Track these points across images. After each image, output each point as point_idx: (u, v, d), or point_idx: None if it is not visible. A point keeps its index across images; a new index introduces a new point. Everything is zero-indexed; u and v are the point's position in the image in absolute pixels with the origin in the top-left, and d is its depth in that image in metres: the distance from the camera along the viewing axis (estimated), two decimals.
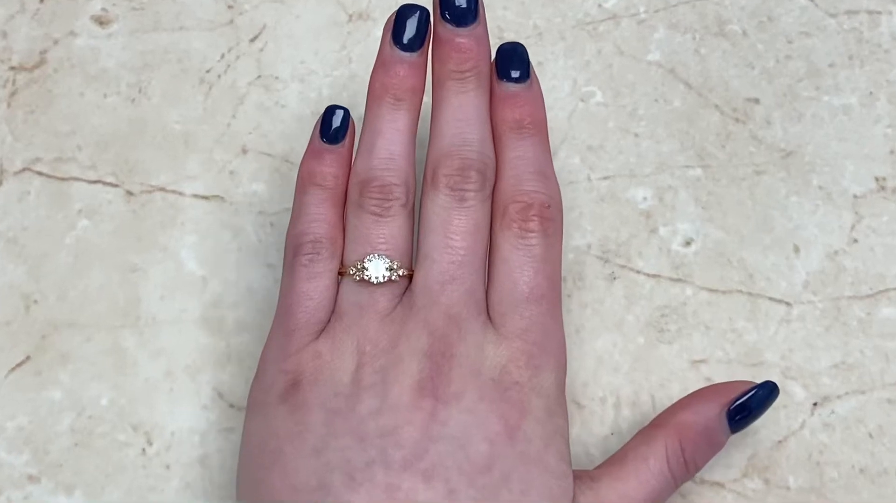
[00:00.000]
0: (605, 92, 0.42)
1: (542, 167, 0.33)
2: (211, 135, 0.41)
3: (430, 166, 0.33)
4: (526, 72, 0.34)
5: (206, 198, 0.40)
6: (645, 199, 0.40)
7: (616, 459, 0.32)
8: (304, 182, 0.34)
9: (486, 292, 0.32)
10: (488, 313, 0.32)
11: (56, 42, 0.43)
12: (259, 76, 0.42)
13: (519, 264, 0.32)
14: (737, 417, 0.33)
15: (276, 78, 0.42)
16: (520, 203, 0.33)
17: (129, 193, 0.40)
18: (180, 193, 0.40)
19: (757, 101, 0.42)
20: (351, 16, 0.43)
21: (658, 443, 0.32)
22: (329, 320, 0.32)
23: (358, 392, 0.30)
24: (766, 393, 0.34)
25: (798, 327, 0.38)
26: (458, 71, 0.33)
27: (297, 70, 0.42)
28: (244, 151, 0.41)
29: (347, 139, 0.34)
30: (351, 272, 0.32)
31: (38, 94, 0.41)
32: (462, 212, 0.32)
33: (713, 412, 0.33)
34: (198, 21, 0.43)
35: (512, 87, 0.34)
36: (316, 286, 0.32)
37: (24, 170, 0.40)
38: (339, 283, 0.33)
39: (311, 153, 0.34)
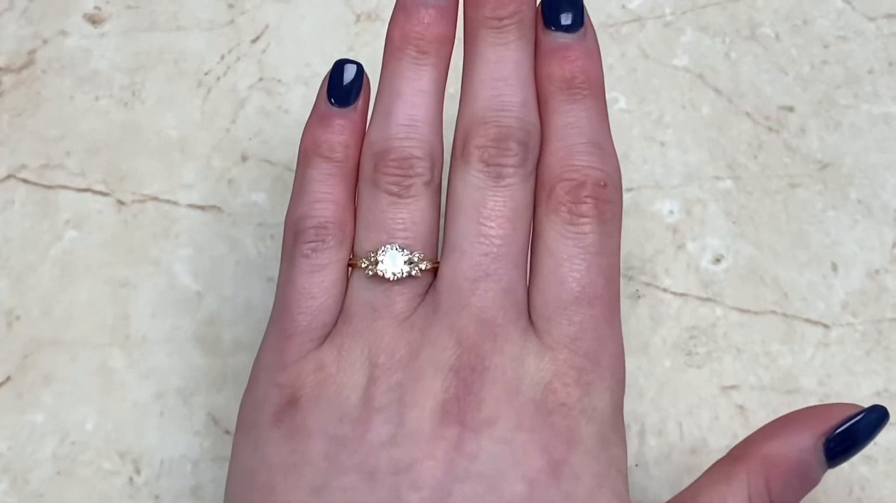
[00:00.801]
0: (630, 98, 0.41)
1: (598, 137, 0.28)
2: (209, 141, 0.40)
3: (461, 136, 0.28)
4: (579, 18, 0.29)
5: (202, 208, 0.39)
6: (672, 212, 0.39)
7: (686, 499, 0.28)
8: (308, 153, 0.30)
9: (528, 291, 0.28)
10: (530, 317, 0.27)
11: (45, 41, 0.42)
12: (261, 79, 0.41)
13: (568, 257, 0.27)
14: (838, 449, 0.28)
15: (279, 81, 0.41)
16: (570, 181, 0.28)
17: (120, 203, 0.39)
18: (175, 203, 0.39)
19: (791, 108, 0.41)
20: (359, 16, 0.43)
21: (739, 481, 0.27)
22: (335, 323, 0.28)
23: (368, 415, 0.26)
24: (875, 418, 0.28)
25: (836, 351, 0.37)
26: (495, 17, 0.29)
27: (301, 73, 0.42)
28: (244, 159, 0.40)
29: (360, 101, 0.30)
30: (363, 265, 0.28)
31: (25, 97, 0.41)
32: (499, 192, 0.28)
33: (807, 442, 0.28)
34: (196, 20, 0.42)
35: (561, 37, 0.29)
36: (320, 281, 0.28)
37: (8, 177, 0.39)
38: (348, 278, 0.29)
39: (316, 118, 0.30)
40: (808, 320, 0.37)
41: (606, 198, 0.28)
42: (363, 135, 0.29)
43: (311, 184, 0.29)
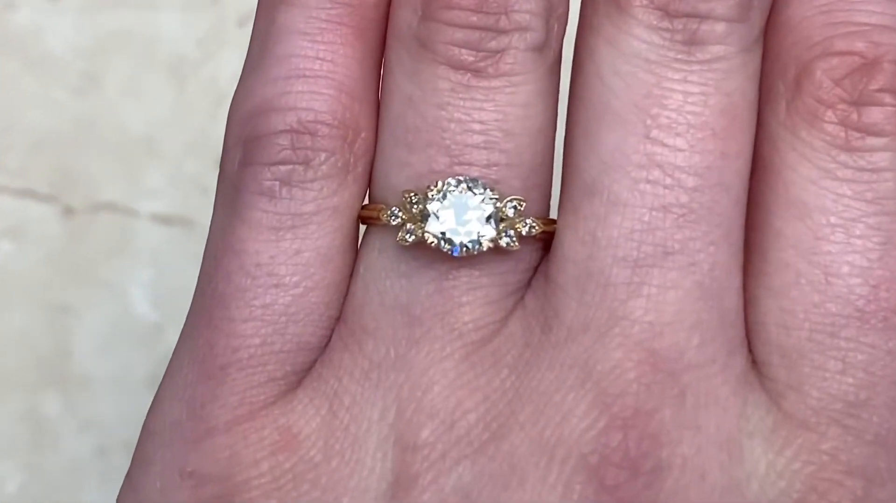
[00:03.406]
0: None
1: None
2: (180, 140, 0.37)
3: None
4: None
5: (168, 220, 0.36)
6: None
7: None
8: None
9: (748, 290, 0.18)
10: (750, 348, 0.17)
11: None
12: None
13: (841, 223, 0.17)
14: None
15: None
16: (840, 57, 0.17)
17: (69, 211, 0.36)
18: (135, 213, 0.36)
19: None
20: None
21: None
22: (326, 344, 0.18)
23: None
24: None
25: None
26: None
27: None
28: None
29: None
30: (392, 220, 0.18)
31: None
32: (691, 73, 0.17)
33: None
34: None
35: None
36: (294, 251, 0.18)
37: None
38: (357, 247, 0.19)
39: None
40: None
41: None
42: None
43: (285, 41, 0.18)
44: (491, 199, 0.17)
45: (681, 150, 0.17)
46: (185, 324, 0.19)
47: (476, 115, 0.18)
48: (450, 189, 0.17)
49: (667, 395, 0.16)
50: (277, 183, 0.18)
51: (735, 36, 0.17)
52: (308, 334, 0.18)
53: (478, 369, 0.17)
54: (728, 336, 0.17)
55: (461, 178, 0.17)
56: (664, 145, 0.17)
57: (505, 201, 0.17)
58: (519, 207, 0.17)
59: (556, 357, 0.17)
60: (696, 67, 0.17)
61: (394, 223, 0.18)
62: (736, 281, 0.17)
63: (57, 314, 0.35)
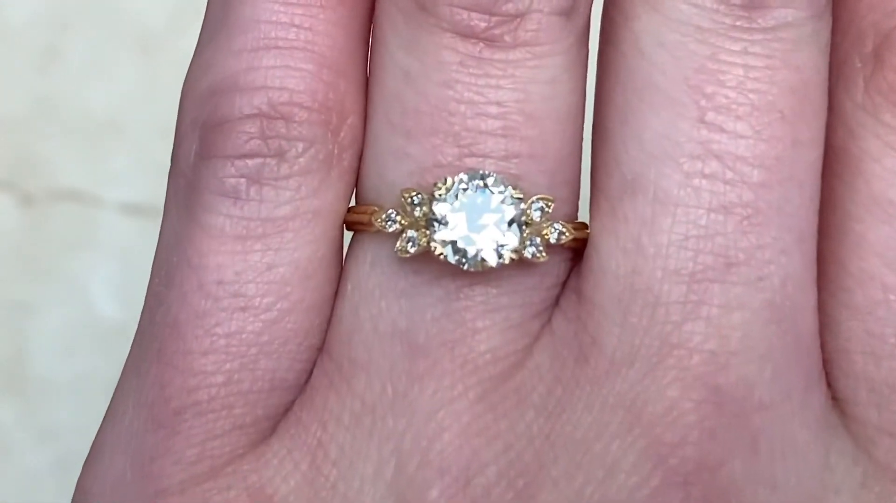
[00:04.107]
0: None
1: None
2: (149, 121, 0.36)
3: None
4: None
5: (135, 209, 0.35)
6: None
7: None
8: None
9: (823, 309, 0.16)
10: (829, 377, 0.15)
11: None
12: None
13: None
14: None
15: None
16: None
17: (27, 199, 0.35)
18: (99, 202, 0.35)
19: None
20: None
21: None
22: (305, 381, 0.16)
23: None
24: None
25: None
26: None
27: None
28: None
29: None
30: (388, 226, 0.15)
31: None
32: (753, 43, 0.15)
33: None
34: None
35: None
36: (265, 265, 0.16)
37: None
38: (342, 259, 0.17)
39: None
40: None
41: None
42: None
43: (251, 3, 0.16)
44: (513, 198, 0.15)
45: (743, 137, 0.15)
46: (129, 357, 0.16)
47: (491, 94, 0.15)
48: (461, 186, 0.15)
49: (736, 443, 0.14)
50: (244, 180, 0.15)
51: (800, 1, 0.15)
52: (283, 369, 0.15)
53: (497, 411, 0.15)
54: (804, 367, 0.15)
55: (475, 172, 0.15)
56: (723, 131, 0.15)
57: (530, 202, 0.15)
58: (546, 209, 0.15)
59: (595, 395, 0.14)
60: (758, 36, 0.15)
61: (390, 229, 0.15)
62: (811, 298, 0.15)
63: (12, 312, 0.34)
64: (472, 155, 0.15)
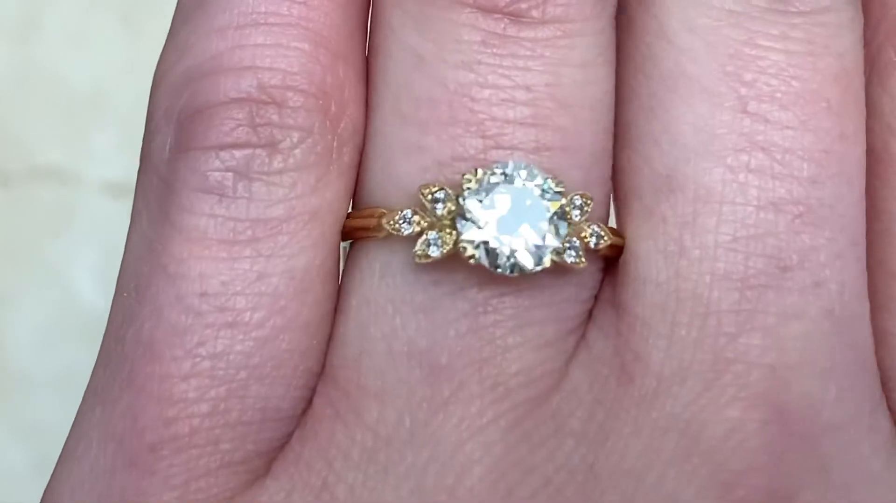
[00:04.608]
0: None
1: None
2: (133, 95, 0.32)
3: None
4: None
5: (118, 189, 0.35)
6: None
7: None
8: None
9: (874, 324, 0.15)
10: (888, 401, 0.14)
11: None
12: None
13: None
14: None
15: None
16: None
17: (3, 178, 0.34)
18: (80, 181, 0.34)
19: None
20: None
21: None
22: (305, 407, 0.14)
23: None
24: None
25: None
26: None
27: None
28: None
29: None
30: (403, 228, 0.14)
31: None
32: (793, 28, 0.14)
33: None
34: None
35: None
36: (257, 272, 0.14)
37: None
38: (337, 264, 0.15)
39: None
40: None
41: None
42: None
43: None
44: (554, 192, 0.13)
45: (790, 128, 0.13)
46: (90, 384, 0.14)
47: (519, 77, 0.13)
48: (493, 179, 0.13)
49: (805, 471, 0.13)
50: (230, 175, 0.13)
51: None
52: (278, 397, 0.13)
53: (533, 440, 0.13)
54: (868, 385, 0.13)
55: (501, 168, 0.13)
56: (767, 121, 0.14)
57: (570, 197, 0.13)
58: (586, 207, 0.13)
59: (643, 418, 0.13)
60: (797, 20, 0.14)
61: (406, 233, 0.13)
62: (867, 309, 0.13)
63: None
64: (499, 147, 0.13)
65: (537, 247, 0.13)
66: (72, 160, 0.34)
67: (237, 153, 0.13)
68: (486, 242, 0.13)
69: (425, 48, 0.13)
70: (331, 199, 0.14)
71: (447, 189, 0.13)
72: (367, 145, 0.14)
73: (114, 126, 0.35)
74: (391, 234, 0.13)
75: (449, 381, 0.13)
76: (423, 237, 0.13)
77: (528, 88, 0.13)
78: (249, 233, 0.13)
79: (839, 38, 0.14)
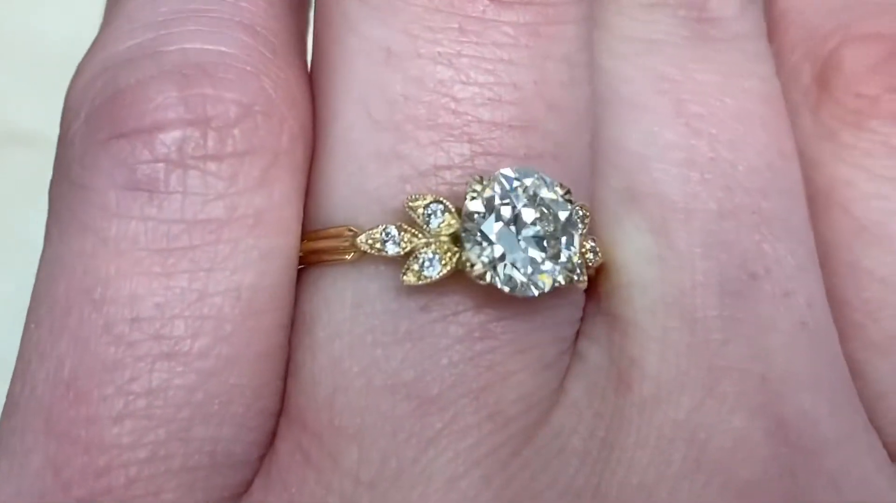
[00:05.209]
0: None
1: None
2: None
3: None
4: None
5: None
6: None
7: None
8: None
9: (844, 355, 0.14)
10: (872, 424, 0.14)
11: None
12: None
13: None
14: None
15: None
16: (861, 40, 0.15)
17: None
18: (52, 145, 0.31)
19: None
20: None
21: None
22: (262, 452, 0.13)
23: None
24: None
25: None
26: None
27: None
28: None
29: None
30: (387, 245, 0.12)
31: None
32: (698, 48, 0.15)
33: None
34: None
35: None
36: (196, 290, 0.13)
37: None
38: (294, 285, 0.14)
39: None
40: None
41: None
42: None
43: None
44: (563, 200, 0.12)
45: (732, 142, 0.14)
46: (7, 412, 0.12)
47: (504, 73, 0.12)
48: (497, 188, 0.12)
49: (816, 486, 0.12)
50: (161, 166, 0.12)
51: (751, 17, 0.14)
52: (228, 439, 0.12)
53: (535, 466, 0.12)
54: (854, 404, 0.13)
55: (520, 168, 0.12)
56: (710, 135, 0.14)
57: (574, 209, 0.12)
58: (586, 219, 0.12)
59: (646, 427, 0.12)
60: (721, 46, 0.14)
61: (391, 252, 0.11)
62: (833, 328, 0.13)
63: None
64: (486, 153, 0.12)
65: (553, 265, 0.12)
66: (48, 125, 0.33)
67: (166, 137, 0.11)
68: (499, 260, 0.11)
69: (394, 40, 0.12)
70: (279, 200, 0.12)
71: (444, 201, 0.11)
72: (324, 156, 0.12)
73: None
74: (367, 255, 0.12)
75: (441, 413, 0.11)
76: (416, 257, 0.11)
77: (515, 86, 0.12)
78: (185, 238, 0.11)
79: (760, 64, 0.14)
